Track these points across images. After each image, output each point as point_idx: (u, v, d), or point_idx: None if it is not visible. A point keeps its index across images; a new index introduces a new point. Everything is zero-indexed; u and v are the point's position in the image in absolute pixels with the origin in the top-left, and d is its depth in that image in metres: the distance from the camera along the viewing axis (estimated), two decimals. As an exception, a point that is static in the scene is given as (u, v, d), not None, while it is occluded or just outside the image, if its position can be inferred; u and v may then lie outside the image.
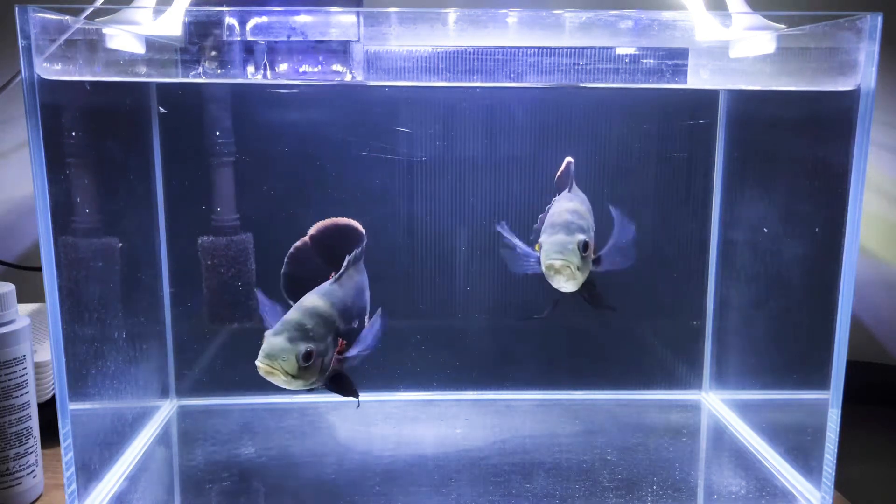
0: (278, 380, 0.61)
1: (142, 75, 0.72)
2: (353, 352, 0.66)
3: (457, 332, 0.90)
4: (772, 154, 0.80)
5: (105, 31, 0.67)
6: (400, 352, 0.89)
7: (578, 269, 0.66)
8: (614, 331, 0.91)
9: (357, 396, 0.68)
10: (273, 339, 0.61)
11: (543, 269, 0.68)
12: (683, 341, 0.92)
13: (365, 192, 0.85)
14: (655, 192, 0.88)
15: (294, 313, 0.64)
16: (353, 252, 0.71)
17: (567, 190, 0.76)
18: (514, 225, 0.88)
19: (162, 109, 0.81)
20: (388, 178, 0.85)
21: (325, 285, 0.68)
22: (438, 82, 0.76)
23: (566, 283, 0.67)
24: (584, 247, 0.67)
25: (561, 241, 0.67)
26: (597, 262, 0.71)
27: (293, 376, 0.60)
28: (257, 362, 0.61)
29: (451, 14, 0.67)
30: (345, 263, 0.70)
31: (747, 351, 0.86)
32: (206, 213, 0.85)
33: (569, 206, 0.72)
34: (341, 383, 0.67)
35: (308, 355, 0.61)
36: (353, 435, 0.82)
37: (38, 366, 0.76)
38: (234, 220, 0.85)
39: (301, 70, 0.68)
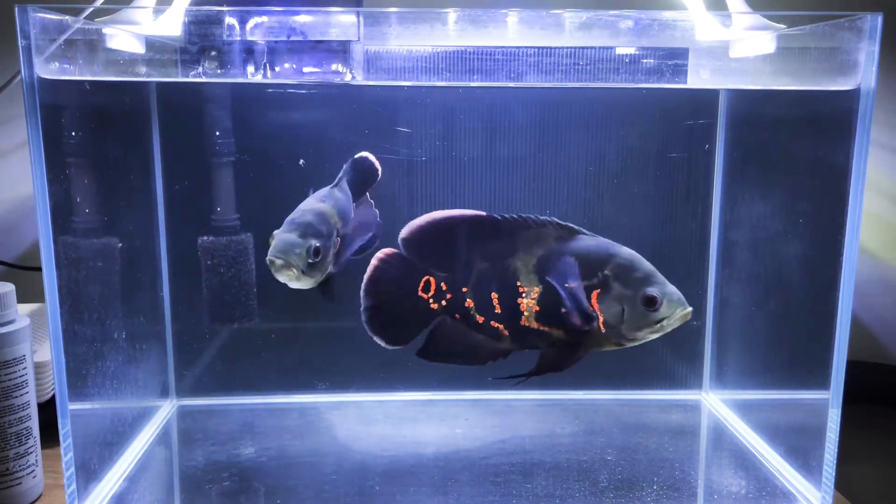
0: (290, 275, 0.63)
1: (142, 75, 0.72)
2: (348, 252, 0.69)
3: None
4: (772, 154, 0.80)
5: (105, 30, 0.67)
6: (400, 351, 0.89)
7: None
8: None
9: (333, 301, 0.69)
10: (284, 236, 0.64)
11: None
12: (683, 341, 0.92)
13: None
14: (655, 191, 0.88)
15: (301, 214, 0.66)
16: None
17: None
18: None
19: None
20: (387, 178, 0.85)
21: (325, 190, 0.70)
22: (438, 82, 0.76)
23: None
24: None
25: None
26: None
27: (303, 271, 0.63)
28: (270, 257, 0.62)
29: (451, 14, 0.67)
30: (342, 170, 0.72)
31: (747, 351, 0.86)
32: (206, 213, 0.85)
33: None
34: (327, 286, 0.69)
35: (318, 251, 0.64)
36: (353, 435, 0.81)
37: (38, 366, 0.76)
38: (234, 220, 0.85)
39: (301, 70, 0.68)
